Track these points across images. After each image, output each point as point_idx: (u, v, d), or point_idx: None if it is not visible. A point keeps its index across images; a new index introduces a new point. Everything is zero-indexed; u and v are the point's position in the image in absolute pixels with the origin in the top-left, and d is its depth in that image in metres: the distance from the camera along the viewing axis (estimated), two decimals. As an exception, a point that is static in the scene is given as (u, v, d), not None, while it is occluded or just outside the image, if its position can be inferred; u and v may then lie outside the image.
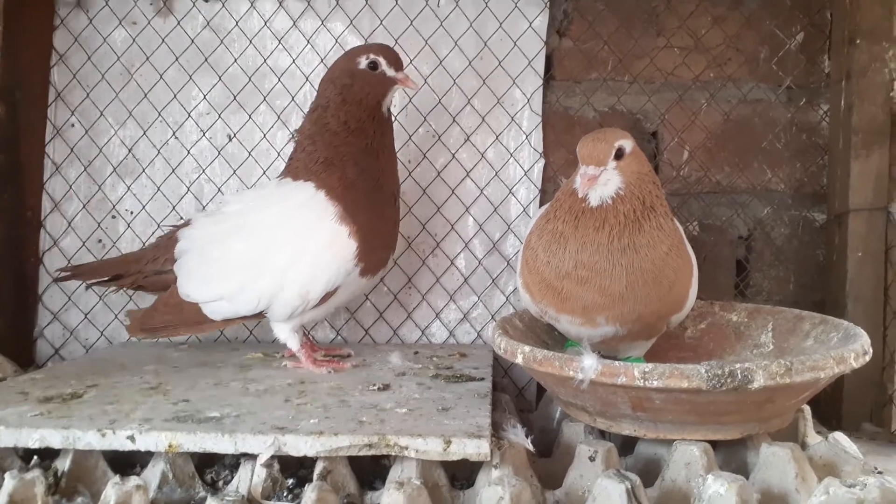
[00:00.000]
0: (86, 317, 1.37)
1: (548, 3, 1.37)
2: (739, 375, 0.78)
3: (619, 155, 0.95)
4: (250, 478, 0.81)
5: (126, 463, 0.87)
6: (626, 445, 0.94)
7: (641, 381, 0.79)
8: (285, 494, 0.81)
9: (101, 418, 0.86)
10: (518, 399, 1.33)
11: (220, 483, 0.87)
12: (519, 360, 0.88)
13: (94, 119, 1.39)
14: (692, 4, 1.37)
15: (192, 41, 1.37)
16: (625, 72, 1.40)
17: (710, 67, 1.38)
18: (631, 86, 1.40)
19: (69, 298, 1.36)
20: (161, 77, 1.38)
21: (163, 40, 1.38)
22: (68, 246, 1.36)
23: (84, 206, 1.38)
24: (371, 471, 0.88)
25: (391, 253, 1.15)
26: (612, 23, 1.39)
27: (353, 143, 1.08)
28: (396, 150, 1.17)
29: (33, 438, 0.82)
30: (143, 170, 1.39)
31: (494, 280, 1.38)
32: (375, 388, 1.00)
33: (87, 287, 1.28)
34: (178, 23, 1.38)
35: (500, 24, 1.37)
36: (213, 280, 1.07)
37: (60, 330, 1.37)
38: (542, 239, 0.98)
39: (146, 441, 0.81)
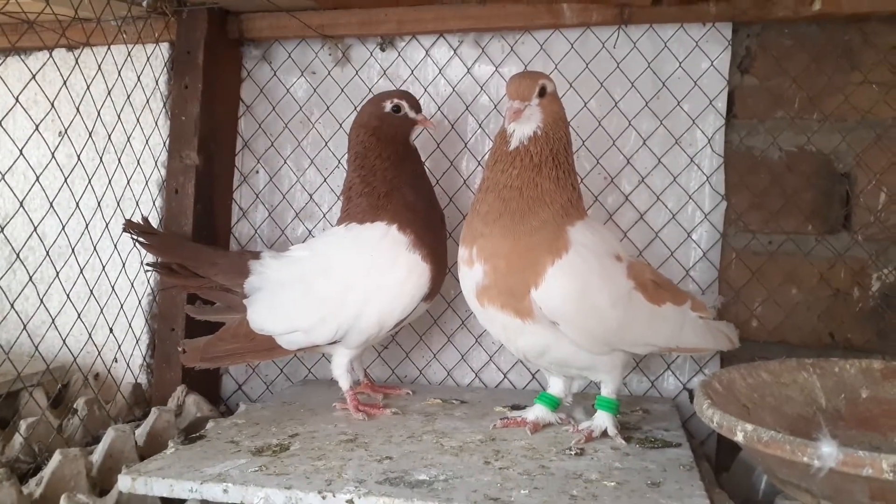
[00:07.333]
0: (267, 355, 1.43)
1: (730, 41, 1.32)
2: None
3: (542, 93, 1.00)
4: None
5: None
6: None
7: (892, 474, 0.73)
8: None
9: (316, 477, 0.89)
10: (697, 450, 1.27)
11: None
12: (739, 438, 0.83)
13: (278, 166, 1.45)
14: (894, 37, 1.27)
15: (370, 90, 1.41)
16: (814, 110, 1.32)
17: (915, 104, 1.28)
18: (821, 125, 1.31)
19: (253, 338, 1.42)
20: (340, 125, 1.42)
21: (342, 90, 1.43)
22: (253, 288, 1.41)
23: (269, 249, 1.43)
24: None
25: (444, 277, 1.22)
26: (800, 58, 1.31)
27: (400, 173, 1.18)
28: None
29: (258, 497, 0.86)
30: (324, 215, 1.44)
31: (671, 328, 1.33)
32: (572, 453, 0.99)
33: (149, 265, 1.27)
34: (357, 72, 1.42)
35: (680, 63, 1.32)
36: (291, 315, 1.14)
37: (243, 367, 1.44)
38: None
39: (365, 507, 0.83)
